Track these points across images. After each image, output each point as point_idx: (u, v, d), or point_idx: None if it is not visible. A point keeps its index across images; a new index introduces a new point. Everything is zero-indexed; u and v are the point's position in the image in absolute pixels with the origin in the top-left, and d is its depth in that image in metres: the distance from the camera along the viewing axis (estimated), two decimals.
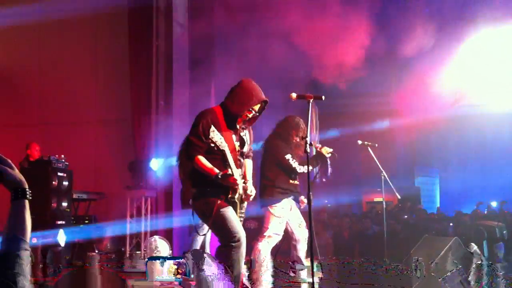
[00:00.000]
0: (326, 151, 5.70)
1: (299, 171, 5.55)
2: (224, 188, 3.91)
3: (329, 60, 10.60)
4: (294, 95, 4.34)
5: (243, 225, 4.09)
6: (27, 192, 1.64)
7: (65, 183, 7.81)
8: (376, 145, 7.75)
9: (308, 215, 4.09)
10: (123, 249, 8.65)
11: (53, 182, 7.55)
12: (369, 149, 7.65)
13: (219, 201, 3.88)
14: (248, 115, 4.16)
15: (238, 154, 4.07)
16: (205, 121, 3.97)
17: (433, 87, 12.28)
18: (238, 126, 4.14)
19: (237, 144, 4.09)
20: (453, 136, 16.76)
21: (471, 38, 10.81)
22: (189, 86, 9.71)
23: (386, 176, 7.64)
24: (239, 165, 4.08)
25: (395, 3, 10.92)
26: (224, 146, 3.88)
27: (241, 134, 4.23)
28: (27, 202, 1.63)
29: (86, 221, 8.81)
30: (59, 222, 7.51)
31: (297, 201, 5.87)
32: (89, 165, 9.97)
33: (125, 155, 9.41)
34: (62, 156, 7.86)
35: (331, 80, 12.34)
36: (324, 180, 5.97)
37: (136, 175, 9.02)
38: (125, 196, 8.82)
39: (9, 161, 1.65)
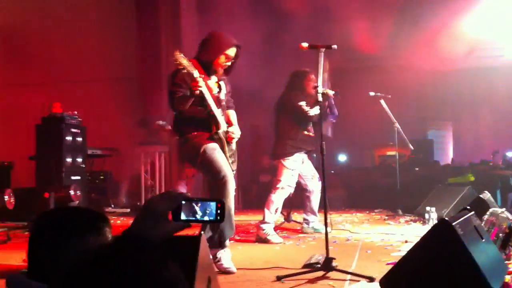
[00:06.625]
0: (330, 92, 5.73)
1: (311, 114, 5.59)
2: (207, 125, 4.02)
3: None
4: (305, 44, 4.26)
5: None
6: None
7: (79, 139, 7.77)
8: (390, 96, 7.66)
9: (321, 164, 4.09)
10: (138, 203, 8.76)
11: (67, 138, 7.54)
12: (382, 100, 7.57)
13: (204, 144, 3.99)
14: (227, 63, 4.15)
15: (217, 98, 4.11)
16: (184, 70, 3.80)
17: (445, 39, 12.06)
18: (215, 72, 4.15)
19: (215, 89, 4.15)
20: (466, 88, 16.53)
21: None
22: (198, 37, 9.56)
23: (399, 127, 7.58)
24: (219, 106, 4.12)
25: None
26: (204, 89, 3.84)
27: (220, 82, 4.26)
28: None
29: (102, 177, 8.88)
30: (75, 178, 7.56)
31: (309, 155, 5.95)
32: (99, 123, 9.95)
33: (134, 113, 9.38)
34: (75, 112, 7.80)
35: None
36: (333, 120, 6.07)
37: (149, 131, 9.03)
38: (139, 152, 8.86)
39: None
